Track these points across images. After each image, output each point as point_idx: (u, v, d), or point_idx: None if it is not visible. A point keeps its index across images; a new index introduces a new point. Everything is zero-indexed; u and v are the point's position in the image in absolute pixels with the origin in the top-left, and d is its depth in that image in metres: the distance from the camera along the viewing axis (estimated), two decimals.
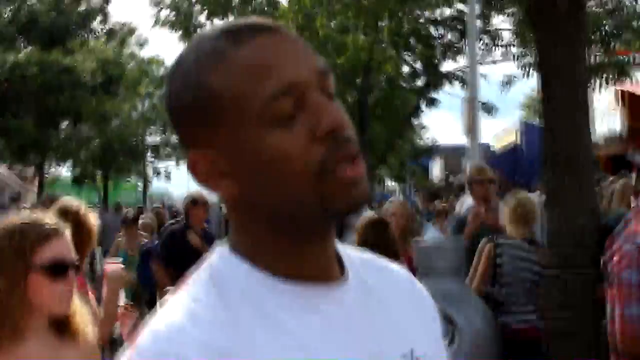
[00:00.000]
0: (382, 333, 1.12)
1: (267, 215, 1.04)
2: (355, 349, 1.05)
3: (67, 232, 2.41)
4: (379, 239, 4.13)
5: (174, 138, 39.89)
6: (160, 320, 1.00)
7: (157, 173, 42.25)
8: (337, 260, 1.12)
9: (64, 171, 33.24)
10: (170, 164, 41.78)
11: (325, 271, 1.08)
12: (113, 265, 3.75)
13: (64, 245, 2.36)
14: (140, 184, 43.51)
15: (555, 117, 5.01)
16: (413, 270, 3.71)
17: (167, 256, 6.81)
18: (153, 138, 39.15)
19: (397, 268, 1.28)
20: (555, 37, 4.95)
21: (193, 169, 1.05)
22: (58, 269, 2.30)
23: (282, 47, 1.01)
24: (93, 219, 3.60)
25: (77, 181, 33.95)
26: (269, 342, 0.99)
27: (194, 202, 7.12)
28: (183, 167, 37.97)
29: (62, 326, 2.38)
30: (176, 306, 1.02)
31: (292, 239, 1.05)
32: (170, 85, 1.08)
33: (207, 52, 1.02)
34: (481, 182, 5.76)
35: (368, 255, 1.24)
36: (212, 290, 1.03)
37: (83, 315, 2.46)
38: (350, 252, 1.18)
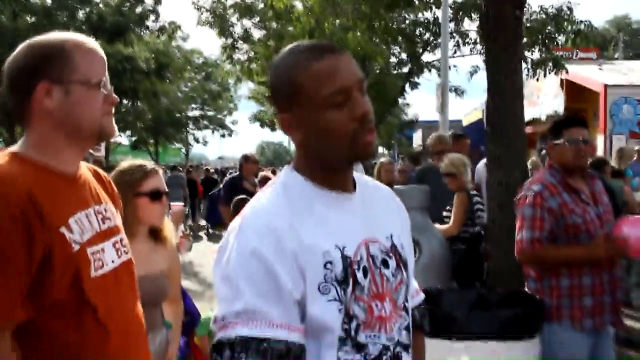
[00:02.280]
0: (374, 222, 1.43)
1: (318, 155, 1.37)
2: (359, 230, 1.39)
3: (160, 171, 2.69)
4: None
5: (210, 113, 39.98)
6: (255, 205, 1.36)
7: (196, 140, 42.34)
8: (352, 181, 1.46)
9: (124, 139, 33.32)
10: (207, 133, 41.87)
11: (347, 186, 1.42)
12: (176, 206, 4.16)
13: (159, 180, 2.63)
14: (183, 148, 43.59)
15: (496, 100, 5.14)
16: None
17: (230, 199, 7.07)
18: (194, 113, 39.21)
19: (384, 187, 1.62)
20: (498, 41, 5.08)
21: (282, 123, 1.38)
22: (155, 195, 2.57)
23: (342, 63, 1.33)
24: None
25: (134, 147, 34.18)
26: (312, 219, 1.33)
27: (246, 159, 7.52)
28: (217, 135, 37.29)
29: (156, 234, 2.67)
30: (263, 199, 1.37)
31: (331, 169, 1.39)
32: (274, 74, 1.39)
33: (298, 59, 1.34)
34: (441, 152, 5.96)
35: (368, 179, 1.58)
36: (282, 192, 1.37)
37: (169, 229, 2.76)
38: (359, 176, 1.50)
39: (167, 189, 2.66)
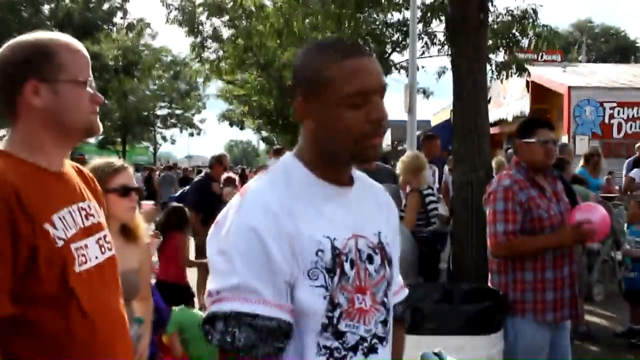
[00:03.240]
0: (365, 218, 1.48)
1: (324, 148, 1.42)
2: (350, 224, 1.44)
3: (130, 168, 2.70)
4: None
5: (178, 111, 39.64)
6: (256, 185, 1.41)
7: (164, 139, 41.97)
8: (351, 176, 1.51)
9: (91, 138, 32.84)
10: (175, 131, 41.55)
11: (345, 181, 1.47)
12: (147, 205, 4.14)
13: (128, 176, 2.65)
14: (151, 147, 43.17)
15: (461, 101, 5.28)
16: None
17: (198, 202, 6.87)
18: (162, 111, 38.86)
19: (377, 185, 1.65)
20: (464, 44, 5.24)
21: (298, 108, 1.43)
22: (124, 191, 2.59)
23: (368, 67, 1.37)
24: None
25: (102, 145, 33.72)
26: (310, 208, 1.38)
27: (219, 161, 7.34)
28: (185, 134, 36.80)
29: (128, 232, 2.67)
30: (265, 180, 1.42)
31: (335, 163, 1.43)
32: (305, 59, 1.43)
33: (329, 53, 1.39)
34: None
35: (362, 174, 1.60)
36: (283, 176, 1.42)
37: (142, 226, 2.75)
38: (357, 173, 1.56)
39: (136, 186, 2.69)
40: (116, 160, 2.69)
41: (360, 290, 1.42)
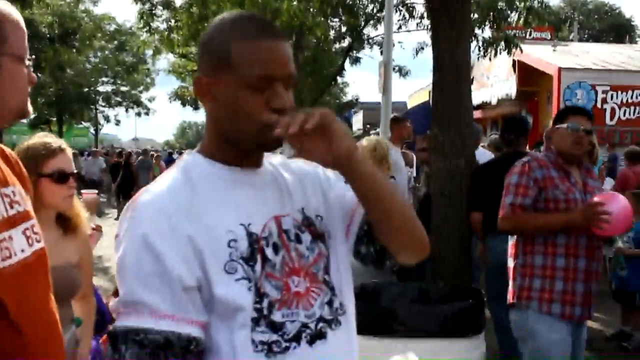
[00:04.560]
0: (285, 196, 1.51)
1: (225, 132, 1.45)
2: (268, 205, 1.46)
3: (69, 150, 2.64)
4: None
5: (124, 88, 39.12)
6: (150, 189, 1.41)
7: (107, 119, 41.39)
8: (260, 157, 1.52)
9: None
10: (120, 111, 40.99)
11: (252, 163, 1.48)
12: (89, 194, 4.07)
13: (65, 160, 2.59)
14: (92, 128, 42.52)
15: (441, 78, 5.27)
16: None
17: None
18: (104, 87, 38.29)
19: (299, 161, 1.61)
20: (445, 20, 5.22)
21: (199, 85, 1.45)
22: (59, 177, 2.53)
23: (278, 52, 1.41)
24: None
25: (34, 125, 33.00)
26: (214, 198, 1.40)
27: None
28: (131, 113, 36.27)
29: (66, 222, 2.64)
30: (160, 182, 1.43)
31: (238, 149, 1.45)
32: (213, 34, 1.45)
33: (239, 30, 1.42)
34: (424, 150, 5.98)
35: (275, 156, 1.63)
36: (182, 174, 1.44)
37: (82, 216, 2.72)
38: (270, 156, 1.58)
39: (75, 171, 2.63)
40: (53, 141, 2.63)
41: (293, 273, 1.43)
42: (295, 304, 1.42)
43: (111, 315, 3.55)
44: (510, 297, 3.50)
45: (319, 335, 1.44)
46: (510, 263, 3.56)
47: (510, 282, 3.52)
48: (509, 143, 5.19)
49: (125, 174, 17.37)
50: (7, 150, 1.82)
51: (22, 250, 1.63)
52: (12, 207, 1.65)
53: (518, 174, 3.44)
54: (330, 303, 1.49)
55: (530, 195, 3.38)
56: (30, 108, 1.70)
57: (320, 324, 1.45)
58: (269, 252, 1.41)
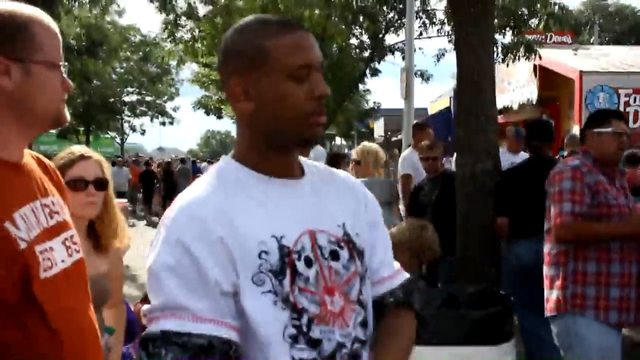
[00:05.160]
0: (323, 210, 1.46)
1: (265, 131, 1.40)
2: (303, 218, 1.41)
3: (95, 157, 2.59)
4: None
5: (148, 98, 39.39)
6: (184, 195, 1.40)
7: (132, 129, 41.72)
8: (300, 166, 1.50)
9: None
10: (145, 120, 41.31)
11: (291, 171, 1.45)
12: (120, 203, 4.05)
13: (85, 167, 2.53)
14: (117, 138, 42.89)
15: (465, 81, 5.20)
16: None
17: None
18: (130, 97, 38.61)
19: (339, 172, 1.64)
20: (468, 22, 5.15)
21: (230, 90, 1.42)
22: (76, 184, 2.48)
23: (309, 42, 1.41)
24: None
25: (62, 135, 33.35)
26: (248, 207, 1.36)
27: None
28: (156, 123, 36.66)
29: (96, 234, 2.59)
30: (194, 187, 1.41)
31: (275, 150, 1.42)
32: (236, 37, 1.43)
33: (268, 27, 1.41)
34: (427, 159, 5.79)
35: (320, 165, 1.61)
36: (217, 180, 1.41)
37: (113, 230, 2.64)
38: (309, 162, 1.56)
39: (99, 178, 2.57)
40: (78, 149, 2.60)
41: (328, 291, 1.39)
42: (332, 321, 1.38)
43: (139, 324, 3.53)
44: (552, 307, 3.34)
45: (354, 356, 1.41)
46: (548, 271, 3.41)
47: (554, 291, 3.34)
48: (534, 149, 5.09)
49: (167, 182, 17.65)
50: (45, 159, 1.82)
51: (63, 261, 1.63)
52: (52, 218, 1.64)
53: (570, 179, 3.26)
54: (364, 324, 1.45)
55: (586, 202, 3.23)
56: (67, 116, 1.68)
57: (356, 345, 1.42)
58: (300, 265, 1.36)
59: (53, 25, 1.64)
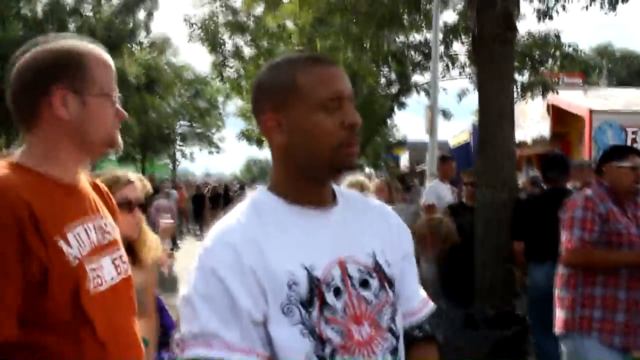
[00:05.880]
0: (354, 239, 1.37)
1: (298, 162, 1.33)
2: (334, 248, 1.33)
3: (138, 182, 2.57)
4: None
5: (198, 130, 39.84)
6: (220, 223, 1.33)
7: (183, 156, 42.16)
8: (332, 194, 1.42)
9: (112, 152, 32.90)
10: (195, 149, 41.75)
11: (323, 201, 1.37)
12: (165, 223, 4.04)
13: (131, 190, 2.50)
14: (170, 164, 43.35)
15: (486, 117, 5.20)
16: None
17: None
18: (182, 129, 39.13)
19: (374, 200, 1.56)
20: (490, 64, 5.15)
21: (264, 124, 1.36)
22: (124, 206, 2.41)
23: (338, 74, 1.34)
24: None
25: (121, 161, 33.82)
26: (280, 237, 1.29)
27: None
28: (205, 151, 36.98)
29: (133, 252, 2.50)
30: (230, 216, 1.34)
31: (308, 182, 1.35)
32: (270, 73, 1.37)
33: (297, 63, 1.35)
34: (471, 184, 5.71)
35: (354, 192, 1.55)
36: (251, 209, 1.34)
37: (148, 246, 2.60)
38: (342, 190, 1.47)
39: (142, 201, 2.54)
40: (122, 173, 2.57)
41: (356, 320, 1.29)
42: (357, 351, 1.28)
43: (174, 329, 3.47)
44: (561, 326, 3.25)
45: None
46: (559, 292, 3.32)
47: (563, 312, 3.26)
48: (551, 180, 4.98)
49: (225, 204, 17.84)
50: (100, 183, 1.82)
51: (112, 278, 1.60)
52: (103, 237, 1.62)
53: (582, 208, 3.21)
54: (394, 352, 1.35)
55: (597, 231, 3.15)
56: (119, 141, 1.66)
57: None
58: (329, 297, 1.27)
59: (107, 58, 1.63)
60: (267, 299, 1.23)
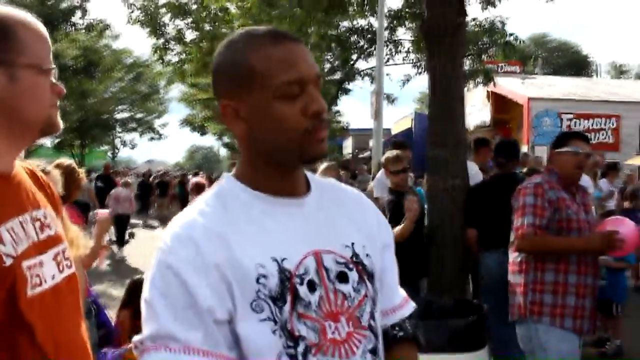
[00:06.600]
0: (330, 230, 1.23)
1: (263, 152, 1.19)
2: (307, 239, 1.19)
3: (54, 173, 2.37)
4: None
5: (139, 115, 38.88)
6: (181, 216, 1.18)
7: (123, 143, 41.15)
8: (306, 182, 1.27)
9: (47, 140, 31.82)
10: (135, 135, 40.77)
11: (295, 189, 1.23)
12: (102, 213, 3.80)
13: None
14: (110, 151, 42.26)
15: (437, 105, 5.10)
16: None
17: None
18: (122, 114, 38.09)
19: (348, 188, 1.40)
20: (439, 49, 5.05)
21: (222, 112, 1.21)
22: None
23: (300, 53, 1.17)
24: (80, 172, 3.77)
25: (58, 148, 32.66)
26: (248, 229, 1.15)
27: None
28: (145, 138, 36.35)
29: None
30: (192, 208, 1.19)
31: (277, 170, 1.20)
32: (221, 57, 1.21)
33: (254, 42, 1.17)
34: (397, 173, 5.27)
35: (330, 180, 1.38)
36: (216, 199, 1.19)
37: (69, 239, 2.48)
38: (317, 178, 1.32)
39: (61, 194, 2.34)
40: (38, 162, 2.34)
41: (331, 317, 1.16)
42: (332, 351, 1.14)
43: (116, 327, 3.28)
44: (515, 312, 3.25)
45: None
46: (512, 278, 3.31)
47: (516, 297, 3.25)
48: (500, 166, 4.96)
49: (181, 194, 17.32)
50: (38, 171, 1.58)
51: (53, 277, 1.41)
52: (42, 231, 1.42)
53: (533, 195, 3.19)
54: (374, 351, 1.20)
55: (547, 216, 3.15)
56: (59, 122, 1.46)
57: None
58: (302, 290, 1.14)
59: (41, 28, 1.41)
60: (234, 295, 1.10)
